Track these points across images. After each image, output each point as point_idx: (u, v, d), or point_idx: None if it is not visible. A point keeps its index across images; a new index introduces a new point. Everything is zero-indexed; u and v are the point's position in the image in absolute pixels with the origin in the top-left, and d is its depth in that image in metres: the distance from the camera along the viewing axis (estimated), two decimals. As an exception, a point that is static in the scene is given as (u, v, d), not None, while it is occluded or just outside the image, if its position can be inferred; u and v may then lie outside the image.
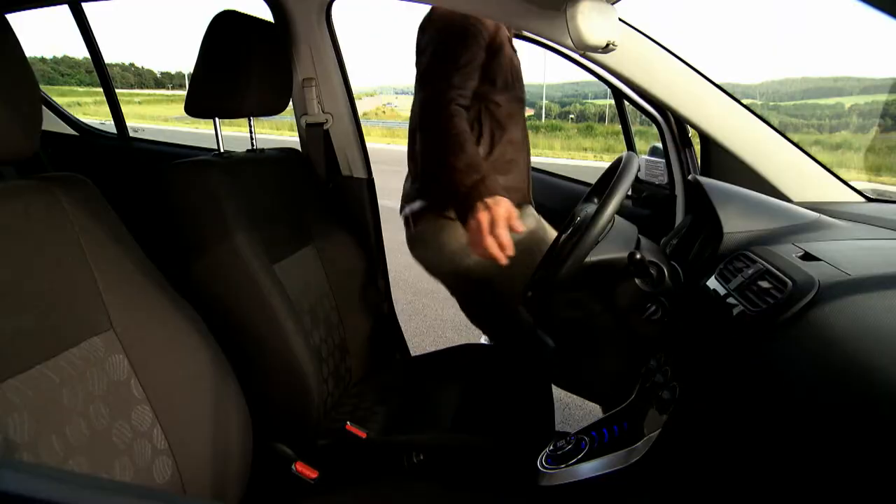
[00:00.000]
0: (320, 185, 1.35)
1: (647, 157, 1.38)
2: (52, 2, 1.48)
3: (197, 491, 0.75)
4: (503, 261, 0.97)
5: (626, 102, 1.43)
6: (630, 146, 1.37)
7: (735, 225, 0.93)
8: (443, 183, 1.05)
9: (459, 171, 1.02)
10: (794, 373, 0.60)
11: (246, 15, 1.02)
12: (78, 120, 2.15)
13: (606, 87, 1.39)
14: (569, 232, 1.04)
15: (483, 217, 0.97)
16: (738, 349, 0.69)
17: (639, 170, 1.33)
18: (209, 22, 1.00)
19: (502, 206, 0.98)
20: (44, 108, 0.72)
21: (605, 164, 1.21)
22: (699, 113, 1.15)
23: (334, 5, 1.46)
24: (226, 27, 1.00)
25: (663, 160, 1.34)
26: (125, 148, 2.01)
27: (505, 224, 0.97)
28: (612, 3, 0.94)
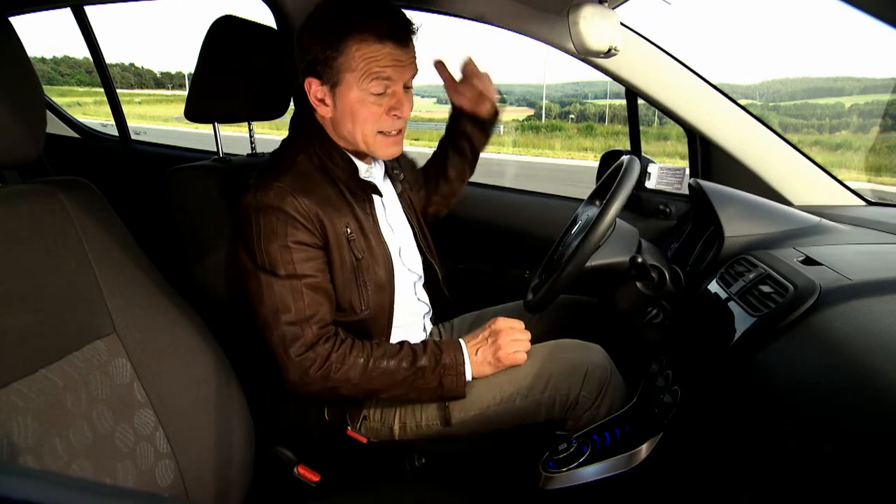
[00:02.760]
0: None
1: (660, 164, 1.31)
2: (56, 4, 1.48)
3: (199, 494, 0.75)
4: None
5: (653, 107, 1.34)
6: (636, 147, 1.34)
7: (736, 229, 0.93)
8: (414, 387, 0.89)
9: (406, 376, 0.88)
10: (795, 377, 0.61)
11: (245, 20, 1.02)
12: (80, 122, 2.15)
13: (621, 85, 1.28)
14: (570, 235, 1.05)
15: (507, 359, 0.90)
16: (739, 353, 0.69)
17: (649, 177, 1.30)
18: (209, 27, 1.01)
19: (502, 335, 0.91)
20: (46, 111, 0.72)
21: (605, 165, 1.19)
22: (701, 117, 1.15)
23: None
24: (225, 32, 1.00)
25: (682, 167, 1.28)
26: (127, 150, 2.01)
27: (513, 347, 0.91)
28: (614, 8, 0.94)
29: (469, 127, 1.12)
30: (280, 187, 0.84)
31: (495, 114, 1.13)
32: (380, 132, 0.88)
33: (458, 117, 1.12)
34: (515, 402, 0.91)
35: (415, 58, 0.88)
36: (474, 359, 0.90)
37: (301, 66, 0.89)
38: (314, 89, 0.89)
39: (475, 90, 1.06)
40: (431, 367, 0.88)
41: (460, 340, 0.92)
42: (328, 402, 0.97)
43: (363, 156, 0.95)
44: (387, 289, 0.95)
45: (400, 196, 1.06)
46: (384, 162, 1.03)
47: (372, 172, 0.98)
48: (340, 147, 0.92)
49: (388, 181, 1.05)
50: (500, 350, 0.90)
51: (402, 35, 0.84)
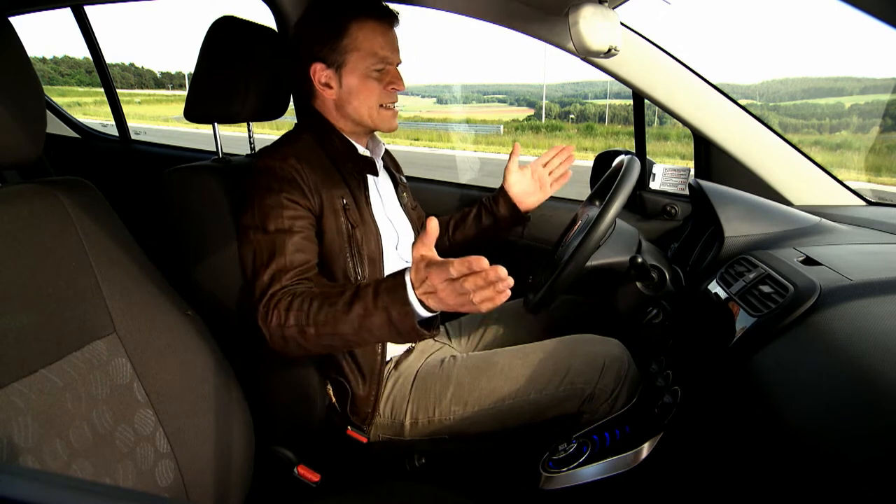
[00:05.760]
0: None
1: (665, 165, 1.31)
2: (56, 4, 1.48)
3: (199, 494, 0.75)
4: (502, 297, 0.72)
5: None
6: (641, 148, 1.33)
7: (736, 229, 0.93)
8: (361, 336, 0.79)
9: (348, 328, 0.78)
10: (795, 377, 0.61)
11: (245, 20, 1.02)
12: (80, 122, 2.15)
13: (622, 85, 1.20)
14: (570, 235, 1.05)
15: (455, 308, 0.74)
16: (739, 353, 0.69)
17: (654, 178, 1.30)
18: (208, 28, 1.01)
19: (441, 294, 0.71)
20: (46, 111, 0.72)
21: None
22: (701, 117, 1.15)
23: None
24: (224, 33, 1.00)
25: (687, 168, 1.26)
26: (127, 150, 2.01)
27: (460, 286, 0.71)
28: (614, 8, 0.94)
29: (502, 211, 1.15)
30: (285, 152, 0.93)
31: (526, 214, 1.17)
32: (381, 105, 0.99)
33: (499, 198, 1.15)
34: (530, 395, 0.91)
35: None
36: (418, 290, 0.75)
37: (304, 55, 0.98)
38: (318, 74, 0.98)
39: (535, 184, 1.14)
40: (373, 299, 0.77)
41: (405, 272, 0.77)
42: (332, 394, 0.97)
43: (359, 139, 1.04)
44: (377, 264, 0.98)
45: (398, 195, 1.12)
46: (383, 160, 1.12)
47: (368, 153, 1.05)
48: (338, 130, 1.01)
49: (385, 174, 1.12)
50: (443, 304, 0.74)
51: (392, 19, 0.99)
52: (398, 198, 1.11)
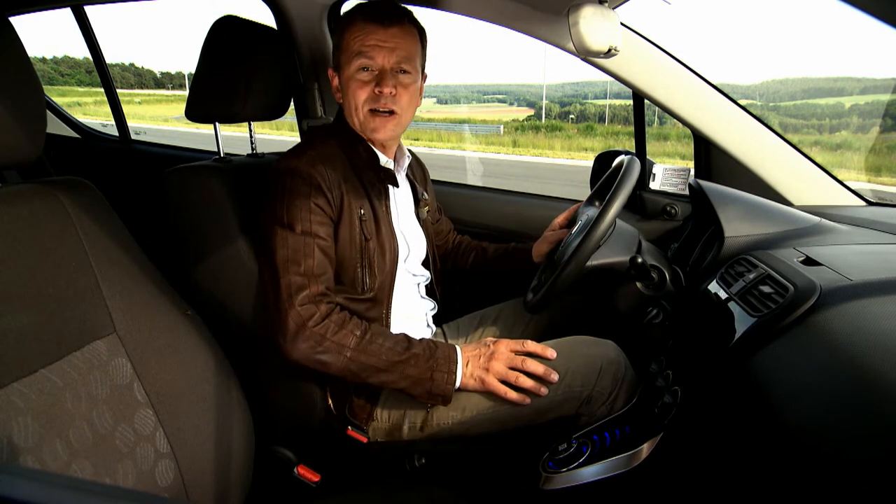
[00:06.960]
0: None
1: (665, 165, 1.30)
2: (56, 4, 1.48)
3: (199, 494, 0.75)
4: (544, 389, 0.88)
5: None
6: (641, 148, 1.33)
7: (736, 229, 0.93)
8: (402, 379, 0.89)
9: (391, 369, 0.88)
10: (795, 378, 0.61)
11: (246, 20, 1.03)
12: (80, 122, 2.15)
13: (622, 85, 1.21)
14: (570, 235, 1.05)
15: (491, 382, 0.89)
16: (739, 354, 0.69)
17: (654, 178, 1.30)
18: (209, 27, 1.01)
19: (497, 357, 0.89)
20: (46, 111, 0.72)
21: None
22: (700, 117, 1.15)
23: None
24: (226, 33, 1.01)
25: (687, 168, 1.26)
26: (127, 150, 2.01)
27: (512, 369, 0.89)
28: (614, 8, 0.94)
29: (520, 263, 1.18)
30: (312, 155, 0.93)
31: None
32: (371, 110, 0.95)
33: (525, 253, 1.19)
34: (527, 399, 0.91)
35: (404, 44, 0.94)
36: (464, 369, 0.90)
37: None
38: (333, 80, 1.00)
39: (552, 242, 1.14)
40: (425, 358, 0.88)
41: (456, 346, 0.92)
42: (331, 395, 0.97)
43: (386, 150, 1.02)
44: (388, 277, 0.98)
45: (417, 209, 1.12)
46: (406, 171, 1.10)
47: (391, 165, 1.03)
48: (363, 139, 1.00)
49: (407, 185, 1.11)
50: (488, 374, 0.89)
51: (385, 17, 0.93)
52: (416, 212, 1.11)
